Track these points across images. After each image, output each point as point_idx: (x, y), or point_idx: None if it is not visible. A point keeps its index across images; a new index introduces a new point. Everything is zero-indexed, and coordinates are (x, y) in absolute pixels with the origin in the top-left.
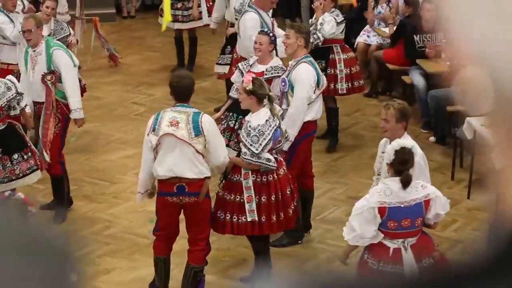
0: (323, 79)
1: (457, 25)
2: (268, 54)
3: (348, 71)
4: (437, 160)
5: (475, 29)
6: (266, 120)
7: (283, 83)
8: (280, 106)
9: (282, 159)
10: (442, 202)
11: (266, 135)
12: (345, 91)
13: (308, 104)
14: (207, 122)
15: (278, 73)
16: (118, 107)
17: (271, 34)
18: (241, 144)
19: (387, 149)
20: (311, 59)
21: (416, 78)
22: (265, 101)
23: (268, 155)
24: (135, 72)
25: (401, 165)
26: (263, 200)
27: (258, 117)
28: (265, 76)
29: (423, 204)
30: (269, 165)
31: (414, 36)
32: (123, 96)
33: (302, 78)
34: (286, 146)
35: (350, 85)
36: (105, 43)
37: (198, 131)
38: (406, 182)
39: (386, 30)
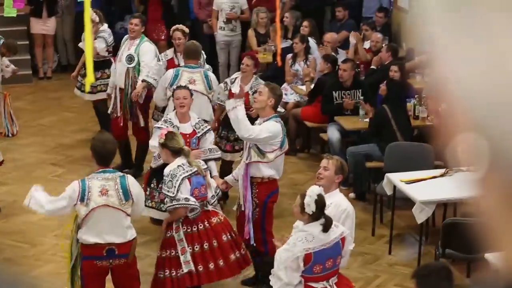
0: (286, 143)
1: (455, 92)
2: (189, 110)
3: None
4: (358, 216)
5: (473, 96)
6: (178, 166)
7: None
8: (245, 160)
9: (217, 211)
10: (349, 238)
11: (178, 176)
12: None
13: (269, 162)
14: (134, 184)
15: (206, 127)
16: (36, 169)
17: (190, 88)
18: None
19: (306, 200)
20: (280, 119)
21: (331, 133)
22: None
23: (185, 195)
24: (52, 133)
25: (321, 210)
26: (196, 249)
27: (171, 165)
28: (198, 134)
29: (340, 242)
30: (188, 204)
31: (333, 92)
32: (41, 157)
33: (268, 126)
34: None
35: None
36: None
37: (127, 196)
38: (328, 225)
39: (304, 88)
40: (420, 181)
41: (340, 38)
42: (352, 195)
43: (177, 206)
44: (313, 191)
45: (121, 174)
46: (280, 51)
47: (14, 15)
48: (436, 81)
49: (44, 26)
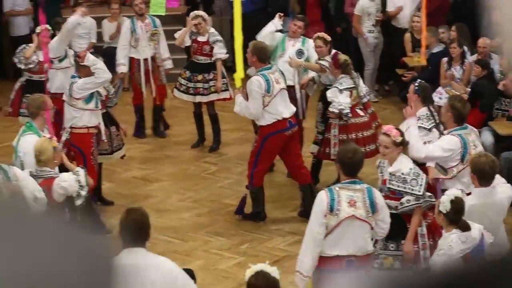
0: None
1: None
2: None
3: (345, 137)
4: (509, 222)
5: None
6: (413, 162)
7: None
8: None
9: None
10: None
11: (421, 174)
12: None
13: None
14: (379, 196)
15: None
16: (190, 166)
17: None
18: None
19: (443, 198)
20: (462, 133)
21: (485, 137)
22: None
23: (428, 193)
24: (207, 132)
25: (459, 214)
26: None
27: (406, 163)
28: None
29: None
30: (432, 201)
31: (493, 102)
32: (195, 155)
33: (441, 144)
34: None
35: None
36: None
37: (374, 209)
38: (466, 227)
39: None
40: None
41: (495, 44)
42: None
43: (421, 204)
44: (451, 191)
45: (367, 186)
46: (424, 50)
47: (163, 13)
48: None
49: None
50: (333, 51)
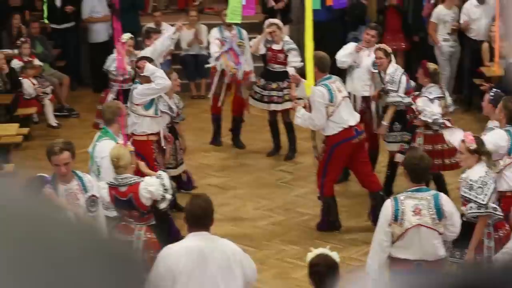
0: None
1: None
2: None
3: (431, 148)
4: None
5: None
6: (486, 172)
7: None
8: None
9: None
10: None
11: (489, 184)
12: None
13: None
14: (447, 202)
15: None
16: (265, 175)
17: None
18: (463, 204)
19: None
20: (509, 128)
21: None
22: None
23: (494, 205)
24: (283, 140)
25: None
26: None
27: (477, 170)
28: None
29: None
30: (497, 214)
31: None
32: (271, 163)
33: (489, 137)
34: None
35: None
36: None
37: (441, 215)
38: None
39: None
40: None
41: None
42: None
43: (484, 214)
44: None
45: (434, 192)
46: (497, 59)
47: (239, 21)
48: None
49: None
50: (394, 65)
